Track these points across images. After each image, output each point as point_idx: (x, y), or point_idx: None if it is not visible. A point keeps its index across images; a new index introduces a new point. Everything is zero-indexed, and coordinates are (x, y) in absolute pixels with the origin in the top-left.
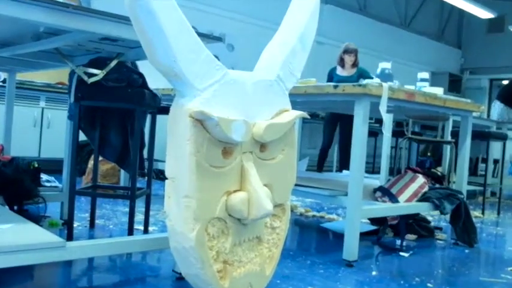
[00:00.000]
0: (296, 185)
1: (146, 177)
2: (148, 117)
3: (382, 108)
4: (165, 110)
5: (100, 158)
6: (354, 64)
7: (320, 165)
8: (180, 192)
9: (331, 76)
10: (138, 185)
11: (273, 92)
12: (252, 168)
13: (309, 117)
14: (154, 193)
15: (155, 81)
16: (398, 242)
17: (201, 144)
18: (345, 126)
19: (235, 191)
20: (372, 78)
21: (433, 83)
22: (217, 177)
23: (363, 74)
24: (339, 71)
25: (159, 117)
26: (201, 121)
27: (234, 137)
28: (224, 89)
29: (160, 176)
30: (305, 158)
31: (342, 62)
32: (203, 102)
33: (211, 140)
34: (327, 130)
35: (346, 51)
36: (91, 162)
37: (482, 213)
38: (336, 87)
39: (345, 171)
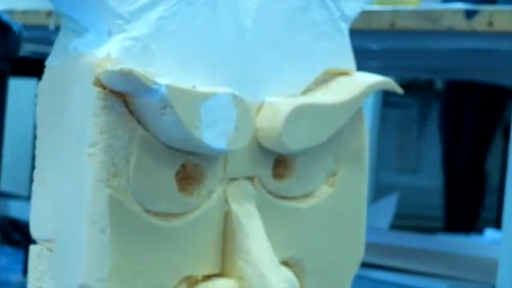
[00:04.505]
0: (364, 264)
1: None
2: None
3: None
4: (32, 67)
5: None
6: None
7: (451, 215)
8: (68, 277)
9: None
10: None
11: (308, 25)
12: (253, 221)
13: (401, 90)
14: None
15: None
16: None
17: (123, 155)
18: (476, 116)
19: (206, 278)
20: None
21: None
22: (164, 243)
23: None
24: None
25: (16, 85)
26: (124, 97)
27: (208, 138)
28: (184, 14)
29: (15, 235)
30: (389, 196)
31: None
32: (131, 48)
33: (151, 145)
34: (449, 129)
35: None
36: None
37: None
38: (471, 15)
39: (489, 232)
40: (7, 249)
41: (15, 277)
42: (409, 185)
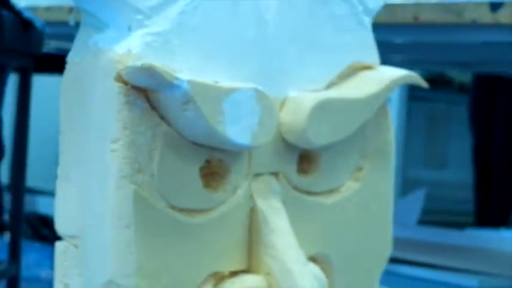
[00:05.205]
0: (392, 260)
1: (9, 235)
2: (13, 81)
3: None
4: (55, 64)
5: None
6: None
7: (482, 209)
8: (95, 273)
9: None
10: None
11: (330, 19)
12: (279, 216)
13: (426, 85)
14: (28, 275)
15: None
16: None
17: (146, 151)
18: (507, 110)
19: (233, 274)
20: None
21: None
22: (189, 239)
23: None
24: None
25: (40, 81)
26: (146, 92)
27: (232, 133)
28: (205, 8)
29: (44, 230)
30: (417, 191)
31: None
32: (152, 43)
33: (175, 141)
34: (479, 124)
35: None
36: None
37: None
38: (495, 7)
39: None
40: (36, 245)
41: (45, 273)
42: (436, 179)
